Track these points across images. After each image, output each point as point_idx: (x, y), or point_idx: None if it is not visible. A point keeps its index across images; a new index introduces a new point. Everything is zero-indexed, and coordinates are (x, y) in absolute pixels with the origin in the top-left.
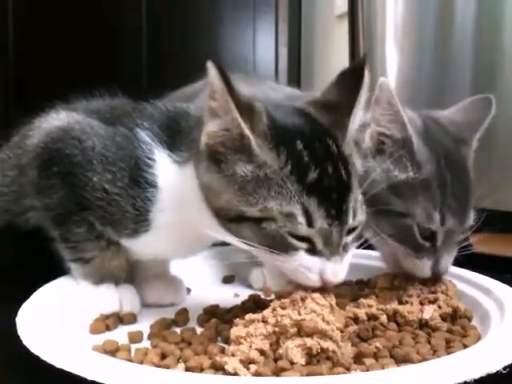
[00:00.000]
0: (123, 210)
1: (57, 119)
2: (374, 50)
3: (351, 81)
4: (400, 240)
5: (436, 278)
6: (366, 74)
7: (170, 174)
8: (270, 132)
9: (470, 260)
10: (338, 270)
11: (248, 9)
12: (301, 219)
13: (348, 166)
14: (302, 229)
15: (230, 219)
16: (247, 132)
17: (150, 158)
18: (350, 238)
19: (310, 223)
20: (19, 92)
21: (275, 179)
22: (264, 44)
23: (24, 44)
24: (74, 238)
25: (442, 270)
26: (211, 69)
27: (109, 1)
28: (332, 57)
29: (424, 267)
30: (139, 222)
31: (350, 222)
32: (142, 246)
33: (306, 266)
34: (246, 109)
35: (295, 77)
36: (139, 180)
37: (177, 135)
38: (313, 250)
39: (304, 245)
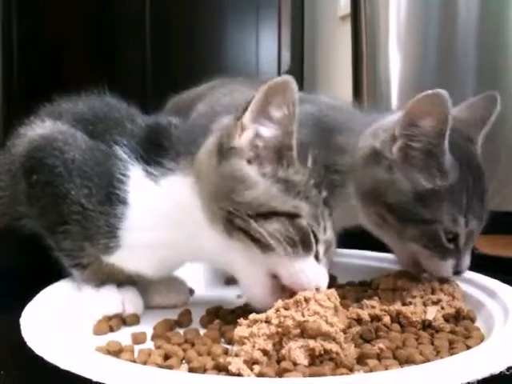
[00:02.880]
0: (97, 225)
1: (42, 127)
2: (377, 52)
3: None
4: (425, 245)
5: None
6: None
7: (143, 190)
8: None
9: (473, 261)
10: (327, 278)
11: (251, 11)
12: (321, 222)
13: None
14: (321, 232)
15: (253, 215)
16: (295, 144)
17: (124, 175)
18: None
19: (324, 229)
20: (21, 90)
21: (304, 186)
22: (267, 46)
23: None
24: (66, 247)
25: (464, 268)
26: (289, 80)
27: (110, 5)
28: (335, 58)
29: (448, 268)
30: (111, 238)
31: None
32: (118, 263)
33: (310, 271)
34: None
35: (298, 78)
36: (111, 197)
37: (155, 150)
38: (316, 257)
39: (315, 247)
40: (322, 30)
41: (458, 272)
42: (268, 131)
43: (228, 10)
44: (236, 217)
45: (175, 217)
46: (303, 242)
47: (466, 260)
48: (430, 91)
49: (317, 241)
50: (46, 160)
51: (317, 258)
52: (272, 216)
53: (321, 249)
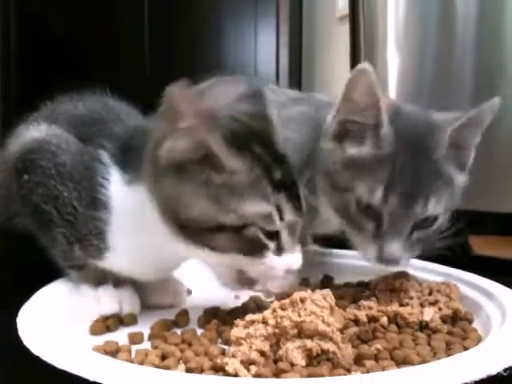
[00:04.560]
0: (86, 227)
1: (37, 130)
2: (375, 53)
3: None
4: (344, 217)
5: (398, 274)
6: None
7: (121, 195)
8: (230, 139)
9: (470, 262)
10: (298, 257)
11: (249, 11)
12: (275, 216)
13: (289, 163)
14: (277, 225)
15: (204, 229)
16: (217, 150)
17: (105, 179)
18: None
19: (281, 218)
20: (19, 89)
21: (248, 183)
22: (265, 46)
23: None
24: (58, 248)
25: (389, 256)
26: (177, 92)
27: (109, 8)
28: (333, 59)
29: (369, 250)
30: (99, 240)
31: (304, 212)
32: (109, 266)
33: (274, 265)
34: (212, 123)
35: (296, 78)
36: (95, 201)
37: (131, 154)
38: (278, 247)
39: (272, 244)
40: (320, 31)
41: (382, 260)
42: (181, 144)
43: (226, 10)
44: (187, 229)
45: (147, 222)
46: (255, 249)
47: (394, 248)
48: (356, 68)
49: (273, 235)
50: (39, 161)
51: (279, 247)
52: (220, 230)
53: (283, 235)
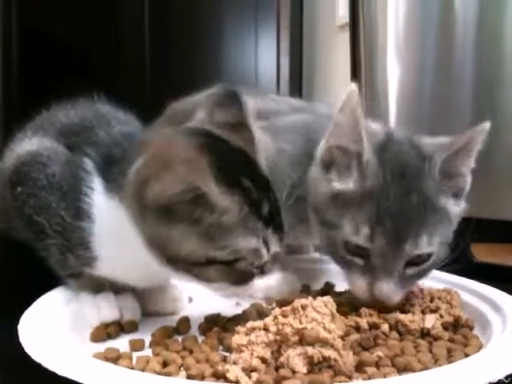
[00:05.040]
0: (75, 237)
1: (29, 144)
2: (375, 61)
3: None
4: (333, 255)
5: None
6: None
7: (103, 205)
8: (217, 174)
9: (472, 269)
10: (276, 283)
11: (250, 19)
12: (263, 251)
13: (273, 190)
14: (264, 259)
15: (192, 264)
16: (208, 190)
17: (89, 187)
18: None
19: (268, 251)
20: (20, 96)
21: (238, 221)
22: (266, 54)
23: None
24: (53, 258)
25: (381, 293)
26: (162, 142)
27: (110, 11)
28: (333, 67)
29: (359, 288)
30: (87, 249)
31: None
32: (102, 274)
33: (257, 289)
34: (201, 166)
35: (297, 86)
36: (80, 210)
37: (113, 165)
38: (260, 272)
39: (258, 271)
40: (320, 39)
41: (374, 296)
42: (170, 189)
43: (227, 18)
44: (176, 262)
45: (129, 234)
46: (243, 278)
47: (385, 286)
48: (347, 88)
49: (259, 266)
50: (31, 174)
51: (262, 272)
52: (210, 264)
53: (267, 265)
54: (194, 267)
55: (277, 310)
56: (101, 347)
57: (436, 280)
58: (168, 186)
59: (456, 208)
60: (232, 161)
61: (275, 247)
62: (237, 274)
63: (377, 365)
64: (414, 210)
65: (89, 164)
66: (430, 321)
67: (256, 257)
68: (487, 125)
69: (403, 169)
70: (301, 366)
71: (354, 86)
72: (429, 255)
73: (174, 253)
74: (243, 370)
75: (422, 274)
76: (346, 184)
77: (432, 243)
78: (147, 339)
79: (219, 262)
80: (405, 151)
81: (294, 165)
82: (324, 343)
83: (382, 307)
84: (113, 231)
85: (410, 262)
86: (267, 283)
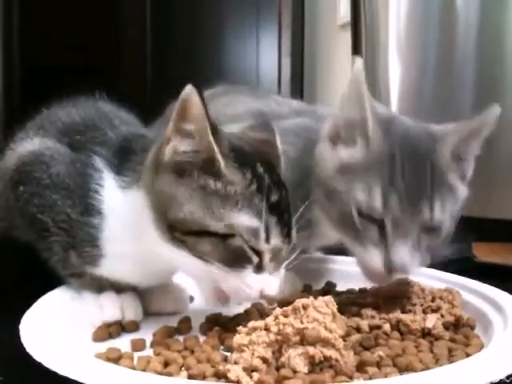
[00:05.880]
0: (81, 235)
1: (31, 144)
2: (376, 60)
3: None
4: (344, 227)
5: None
6: None
7: (115, 200)
8: (233, 153)
9: (473, 269)
10: (276, 284)
11: (251, 19)
12: (262, 235)
13: (287, 192)
14: (262, 244)
15: (188, 232)
16: (219, 156)
17: (99, 185)
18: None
19: (267, 239)
20: (22, 95)
21: (242, 196)
22: (267, 54)
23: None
24: (55, 258)
25: (397, 264)
26: (191, 94)
27: (111, 11)
28: (335, 66)
29: (374, 259)
30: (93, 247)
31: (294, 241)
32: (104, 273)
33: (250, 283)
34: (217, 132)
35: (298, 86)
36: (89, 207)
37: (126, 160)
38: (258, 267)
39: (256, 259)
40: (321, 38)
41: (389, 268)
42: (184, 146)
43: (228, 18)
44: (175, 231)
45: (140, 227)
46: (237, 260)
47: (401, 254)
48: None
49: (257, 252)
50: (34, 173)
51: (260, 266)
52: (204, 235)
53: (265, 257)
54: (190, 237)
55: (278, 310)
56: (102, 347)
57: (437, 280)
58: (184, 141)
59: (462, 189)
60: (250, 152)
61: (276, 239)
62: (231, 253)
63: (378, 365)
64: (427, 176)
65: (98, 162)
66: (431, 320)
67: (252, 237)
68: (498, 109)
69: (414, 142)
70: (302, 366)
71: (359, 62)
72: (439, 226)
73: (174, 215)
74: (244, 369)
75: (433, 249)
76: (352, 152)
77: (444, 211)
78: (148, 339)
79: (214, 233)
80: (414, 129)
81: (294, 168)
82: (325, 343)
83: (391, 292)
84: (122, 226)
85: (423, 232)
86: (263, 282)
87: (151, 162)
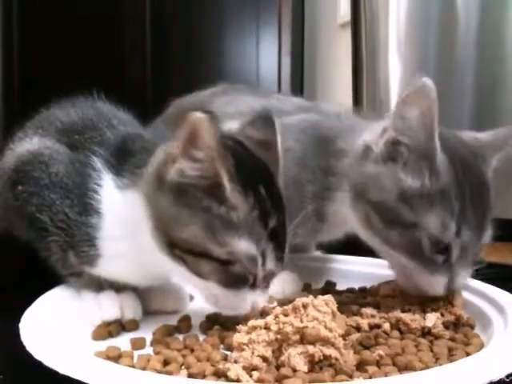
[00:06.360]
0: (79, 234)
1: (29, 143)
2: (376, 59)
3: None
4: (410, 254)
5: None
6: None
7: (113, 200)
8: (237, 174)
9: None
10: (265, 298)
11: (251, 19)
12: (259, 261)
13: (285, 210)
14: (258, 269)
15: (191, 252)
16: (226, 183)
17: (98, 185)
18: None
19: (263, 264)
20: (23, 98)
21: (244, 222)
22: (267, 53)
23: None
24: (54, 257)
25: (458, 287)
26: (204, 121)
27: (111, 11)
28: (335, 66)
29: (438, 284)
30: (91, 247)
31: (285, 262)
32: (102, 273)
33: (245, 300)
34: (225, 158)
35: (298, 85)
36: (87, 207)
37: (124, 160)
38: (251, 285)
39: (252, 280)
40: (322, 38)
41: (450, 291)
42: (191, 170)
43: (228, 18)
44: (176, 249)
45: (137, 228)
46: (234, 282)
47: (462, 278)
48: (415, 82)
49: (252, 276)
50: (32, 173)
51: (253, 285)
52: (205, 257)
53: (259, 278)
54: (190, 256)
55: (278, 309)
56: (102, 346)
57: None
58: (192, 166)
59: None
60: (253, 169)
61: (271, 264)
62: (230, 276)
63: (378, 364)
64: (486, 202)
65: (97, 162)
66: (431, 320)
67: (250, 264)
68: None
69: (467, 166)
70: (302, 365)
71: (429, 80)
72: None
73: (176, 234)
74: (244, 368)
75: None
76: (418, 182)
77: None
78: (148, 338)
79: (214, 258)
80: (461, 148)
81: (301, 164)
82: (325, 342)
83: (391, 291)
84: (121, 225)
85: None
86: (255, 298)
87: (153, 174)
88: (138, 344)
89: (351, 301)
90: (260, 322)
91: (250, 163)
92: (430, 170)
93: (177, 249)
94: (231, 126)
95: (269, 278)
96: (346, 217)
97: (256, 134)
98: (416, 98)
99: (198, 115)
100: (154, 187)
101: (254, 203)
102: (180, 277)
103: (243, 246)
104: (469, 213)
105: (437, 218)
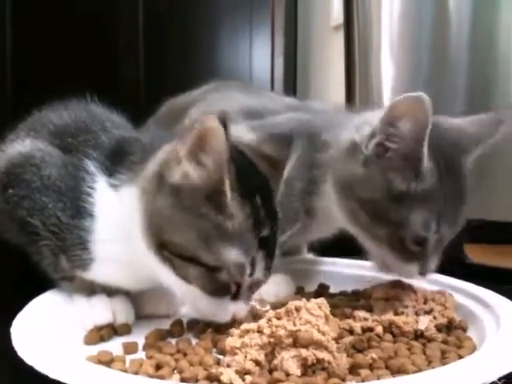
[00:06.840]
0: (71, 238)
1: (21, 145)
2: (369, 61)
3: None
4: (391, 246)
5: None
6: None
7: (107, 201)
8: (237, 184)
9: (465, 271)
10: (247, 308)
11: (244, 19)
12: (247, 270)
13: (278, 220)
14: (246, 278)
15: (180, 256)
16: (227, 190)
17: (91, 188)
18: None
19: (251, 273)
20: (16, 99)
21: (238, 231)
22: (260, 54)
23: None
24: (46, 261)
25: (429, 271)
26: (216, 127)
27: (104, 11)
28: (328, 67)
29: (411, 271)
30: (83, 250)
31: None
32: (94, 277)
33: (226, 309)
34: (231, 165)
35: (291, 86)
36: (80, 210)
37: (118, 162)
38: (234, 295)
39: (235, 289)
40: (315, 39)
41: (421, 273)
42: (196, 174)
43: (221, 18)
44: (165, 251)
45: (128, 228)
46: (218, 290)
47: (432, 263)
48: (412, 94)
49: (237, 284)
50: (24, 175)
51: (236, 295)
52: (193, 262)
53: (243, 288)
54: (179, 260)
55: (270, 312)
56: (94, 350)
57: (429, 282)
58: (197, 169)
59: None
60: (251, 179)
61: (259, 274)
62: (215, 283)
63: (370, 367)
64: (463, 197)
65: (90, 165)
66: (424, 322)
67: (238, 272)
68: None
69: (451, 165)
70: (295, 369)
71: (423, 95)
72: None
73: (168, 237)
74: (237, 372)
75: None
76: (405, 184)
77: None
78: (141, 342)
79: (203, 264)
80: (444, 143)
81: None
82: (318, 345)
83: (384, 294)
84: (113, 227)
85: None
86: (237, 308)
87: (154, 171)
88: (130, 348)
89: (344, 304)
90: (253, 325)
91: (249, 173)
92: (416, 174)
93: (166, 250)
94: (236, 129)
95: (254, 287)
96: (332, 211)
97: (269, 151)
98: (410, 111)
99: (212, 119)
100: (153, 185)
101: (249, 213)
102: (163, 278)
103: (234, 254)
104: (448, 211)
105: (420, 218)
